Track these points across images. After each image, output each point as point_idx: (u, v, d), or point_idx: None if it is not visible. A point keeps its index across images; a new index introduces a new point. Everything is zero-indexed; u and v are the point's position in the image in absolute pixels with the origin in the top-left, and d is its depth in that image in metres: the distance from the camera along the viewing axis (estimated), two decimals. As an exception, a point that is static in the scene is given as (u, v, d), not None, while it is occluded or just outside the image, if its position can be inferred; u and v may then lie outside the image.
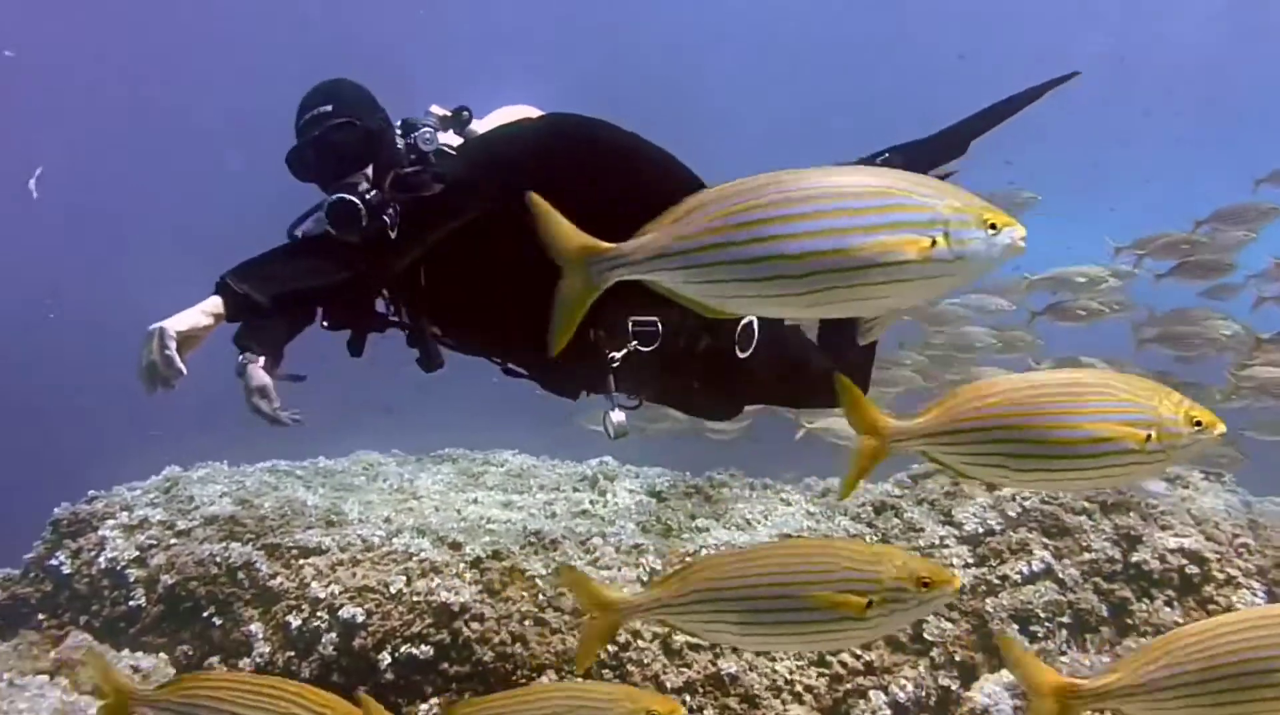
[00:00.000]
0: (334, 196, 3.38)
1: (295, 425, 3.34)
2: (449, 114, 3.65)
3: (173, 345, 3.08)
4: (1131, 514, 5.27)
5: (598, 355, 3.66)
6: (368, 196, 3.38)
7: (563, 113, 3.73)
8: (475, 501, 6.22)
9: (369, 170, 3.48)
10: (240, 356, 3.37)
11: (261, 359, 3.35)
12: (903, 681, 4.73)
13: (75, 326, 19.93)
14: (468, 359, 3.97)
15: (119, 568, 5.21)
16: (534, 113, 3.88)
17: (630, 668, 4.71)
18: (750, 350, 3.84)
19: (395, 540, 5.27)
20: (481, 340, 3.84)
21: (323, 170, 3.48)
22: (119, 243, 23.62)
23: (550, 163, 3.42)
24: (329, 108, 3.47)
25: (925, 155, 4.28)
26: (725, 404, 4.29)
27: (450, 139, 3.63)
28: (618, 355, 3.66)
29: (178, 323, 3.15)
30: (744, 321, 3.79)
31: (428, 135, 3.51)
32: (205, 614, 5.00)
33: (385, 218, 3.37)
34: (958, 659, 4.81)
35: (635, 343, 3.66)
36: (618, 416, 3.72)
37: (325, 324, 3.66)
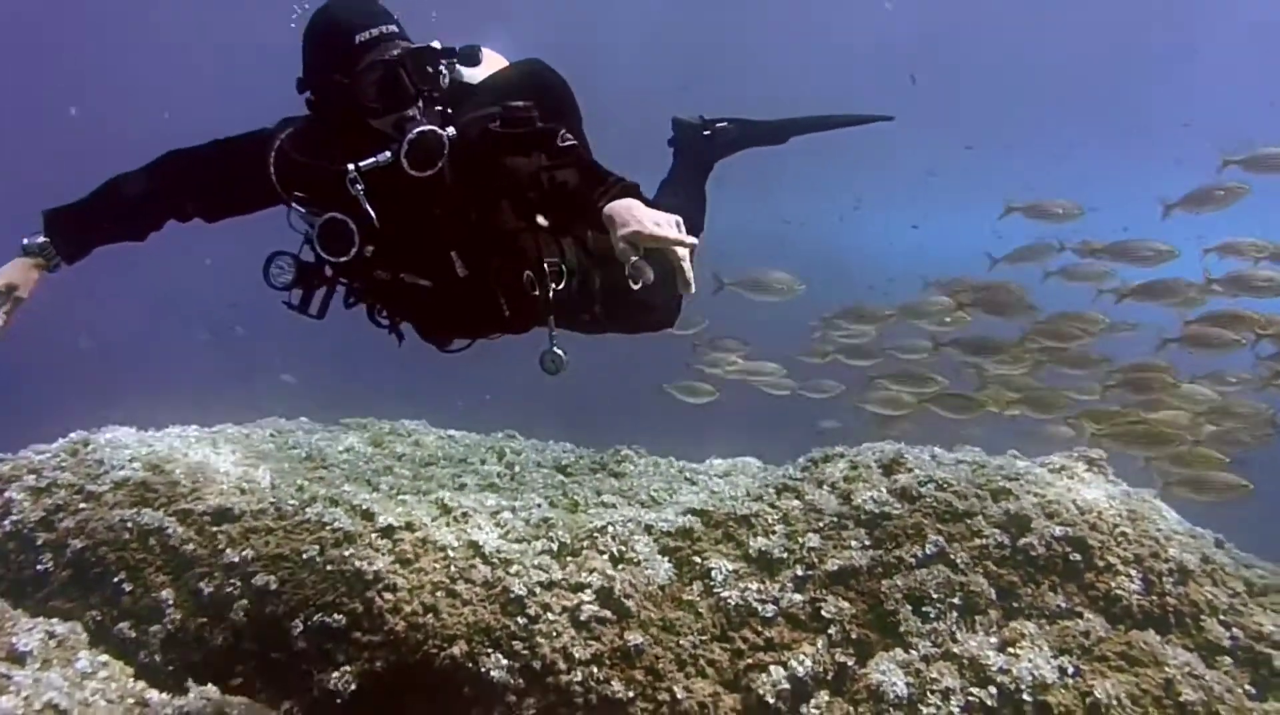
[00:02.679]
0: (423, 128, 3.39)
1: None
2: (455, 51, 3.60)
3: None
4: (1020, 501, 5.51)
5: (530, 295, 3.83)
6: (446, 133, 3.44)
7: (535, 59, 4.01)
8: (388, 471, 6.28)
9: (420, 103, 3.49)
10: (38, 239, 3.48)
11: (46, 262, 3.47)
12: (801, 657, 4.91)
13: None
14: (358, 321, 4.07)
15: (25, 531, 5.16)
16: (497, 56, 4.03)
17: (539, 640, 4.83)
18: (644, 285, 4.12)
19: (308, 509, 5.32)
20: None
21: (398, 96, 3.44)
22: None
23: (551, 106, 3.77)
24: (396, 28, 3.47)
25: (755, 134, 5.20)
26: (621, 329, 4.56)
27: None
28: (550, 294, 3.84)
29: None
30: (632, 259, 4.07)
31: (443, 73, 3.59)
32: (115, 579, 4.99)
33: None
34: (854, 637, 5.00)
35: (552, 283, 3.85)
36: (561, 352, 3.88)
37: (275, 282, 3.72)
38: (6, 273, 3.38)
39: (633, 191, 3.19)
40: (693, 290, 2.99)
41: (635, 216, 2.97)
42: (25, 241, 3.48)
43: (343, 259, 3.57)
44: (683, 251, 2.93)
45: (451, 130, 3.47)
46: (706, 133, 5.18)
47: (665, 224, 2.93)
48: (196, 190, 3.70)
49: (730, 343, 9.40)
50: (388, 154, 3.41)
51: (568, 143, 3.49)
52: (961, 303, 8.22)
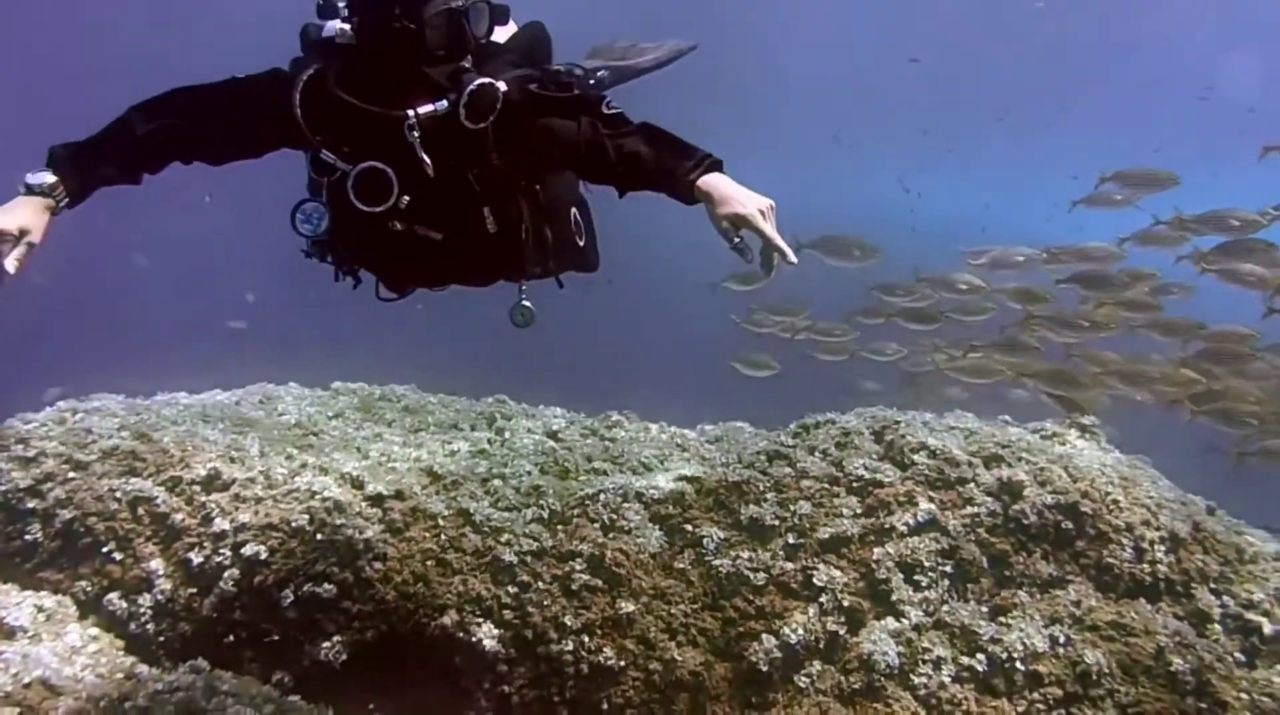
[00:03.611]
0: (482, 80, 3.45)
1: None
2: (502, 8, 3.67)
3: None
4: (1012, 469, 5.50)
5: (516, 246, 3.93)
6: (500, 86, 3.49)
7: (540, 23, 4.09)
8: (377, 437, 6.24)
9: (469, 58, 3.56)
10: (47, 178, 3.29)
11: (55, 203, 3.29)
12: (793, 625, 4.91)
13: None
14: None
15: (13, 501, 5.11)
16: None
17: (530, 609, 4.82)
18: (584, 238, 4.31)
19: (298, 478, 5.29)
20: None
21: (459, 46, 3.48)
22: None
23: None
24: None
25: (623, 75, 5.35)
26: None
27: None
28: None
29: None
30: (571, 213, 4.23)
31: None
32: (105, 549, 4.95)
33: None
34: (846, 605, 5.00)
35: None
36: (530, 305, 4.08)
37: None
38: (18, 214, 3.16)
39: (719, 166, 3.32)
40: (794, 260, 3.16)
41: (737, 198, 3.16)
42: (30, 179, 3.27)
43: (378, 209, 3.56)
44: (774, 231, 3.13)
45: (503, 85, 3.50)
46: (591, 81, 5.30)
47: (767, 212, 3.15)
48: (207, 129, 3.62)
49: (792, 306, 9.43)
50: (445, 103, 3.45)
51: (614, 110, 3.56)
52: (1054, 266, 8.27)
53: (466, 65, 3.52)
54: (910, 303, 9.05)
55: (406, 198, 3.57)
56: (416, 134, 3.45)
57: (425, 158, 3.48)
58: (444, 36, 3.41)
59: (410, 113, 3.44)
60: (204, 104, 3.61)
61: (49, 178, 3.29)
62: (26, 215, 3.18)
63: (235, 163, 3.76)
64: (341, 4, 3.56)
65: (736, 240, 3.16)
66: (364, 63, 3.53)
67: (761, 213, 3.12)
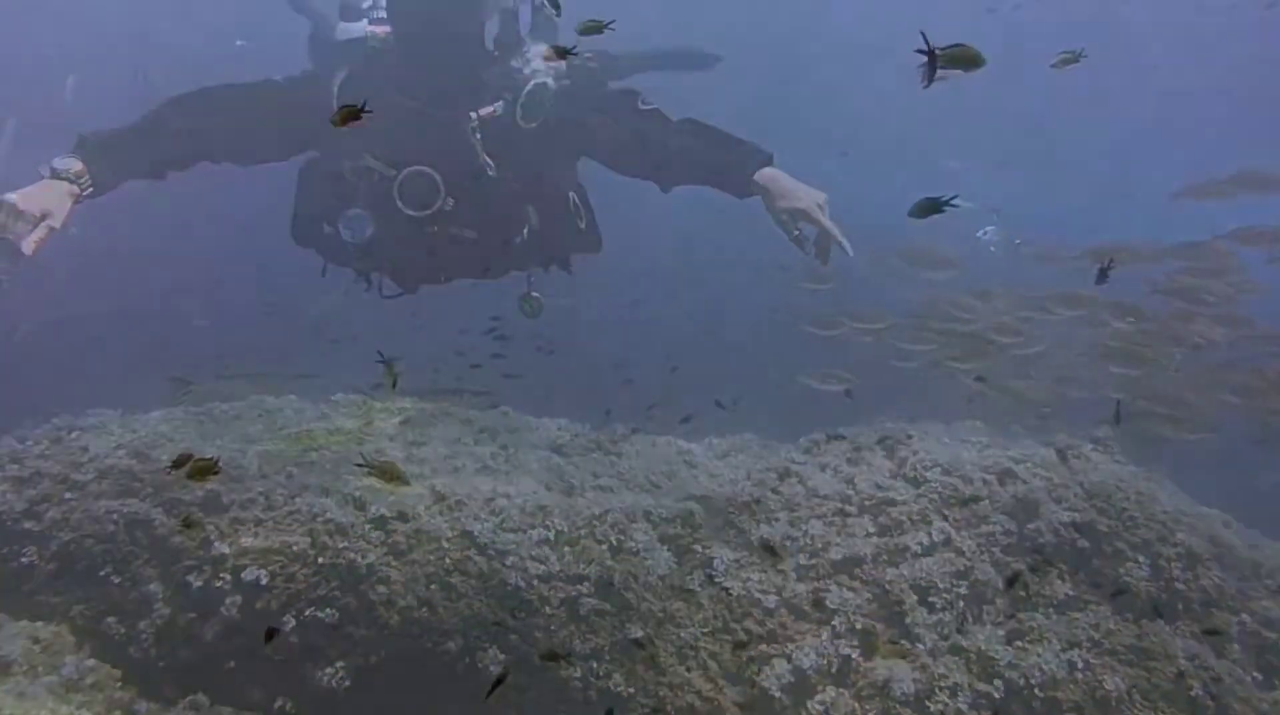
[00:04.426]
0: (537, 81, 3.57)
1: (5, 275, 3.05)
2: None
3: None
4: (1027, 485, 5.40)
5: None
6: (550, 85, 3.62)
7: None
8: (379, 454, 6.12)
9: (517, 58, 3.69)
10: (74, 165, 3.22)
11: (79, 190, 3.22)
12: (806, 649, 4.82)
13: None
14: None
15: (9, 523, 5.01)
16: None
17: (538, 634, 4.73)
18: (584, 221, 4.26)
19: (298, 499, 5.18)
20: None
21: (512, 46, 3.64)
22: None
23: None
24: None
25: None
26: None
27: None
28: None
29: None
30: (570, 198, 4.17)
31: None
32: (102, 572, 4.85)
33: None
34: (859, 628, 4.91)
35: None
36: (539, 295, 4.17)
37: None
38: (41, 197, 3.11)
39: (771, 160, 3.41)
40: (851, 253, 3.26)
41: (795, 192, 3.27)
42: (56, 164, 3.22)
43: (425, 213, 3.60)
44: (832, 223, 3.24)
45: (552, 83, 3.59)
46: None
47: (823, 204, 3.25)
48: (241, 129, 3.61)
49: (874, 312, 9.30)
50: (502, 103, 3.54)
51: (650, 105, 3.64)
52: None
53: (516, 64, 3.60)
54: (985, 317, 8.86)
55: (451, 200, 3.57)
56: (479, 135, 3.46)
57: (488, 159, 3.55)
58: (498, 38, 3.54)
59: (473, 114, 3.52)
60: (239, 103, 3.63)
61: (75, 164, 3.25)
62: (49, 199, 3.13)
63: (263, 164, 3.75)
64: (366, 4, 3.60)
65: (795, 233, 3.24)
66: (412, 65, 3.55)
67: (819, 206, 3.21)
